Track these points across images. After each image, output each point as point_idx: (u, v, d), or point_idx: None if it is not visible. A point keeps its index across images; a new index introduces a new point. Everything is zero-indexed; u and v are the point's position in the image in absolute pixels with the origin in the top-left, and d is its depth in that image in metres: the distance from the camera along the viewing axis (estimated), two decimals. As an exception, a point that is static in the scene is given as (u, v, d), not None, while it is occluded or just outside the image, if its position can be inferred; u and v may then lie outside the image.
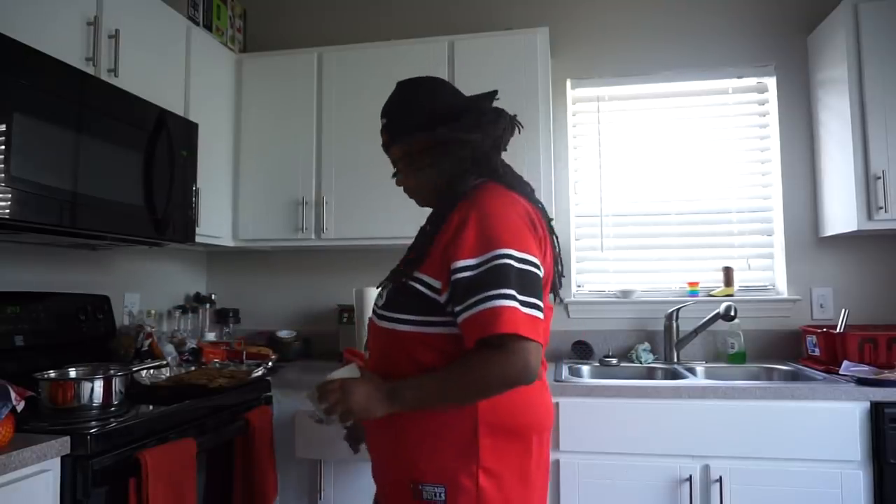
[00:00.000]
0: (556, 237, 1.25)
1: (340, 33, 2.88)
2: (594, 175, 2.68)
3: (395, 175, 1.30)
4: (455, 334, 1.10)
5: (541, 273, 1.09)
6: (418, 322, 1.12)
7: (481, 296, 1.02)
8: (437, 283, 1.10)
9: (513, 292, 1.02)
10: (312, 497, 2.08)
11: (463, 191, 1.18)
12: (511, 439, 1.11)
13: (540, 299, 1.07)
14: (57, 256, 2.05)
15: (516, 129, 1.26)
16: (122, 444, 1.41)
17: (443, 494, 1.08)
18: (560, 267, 1.26)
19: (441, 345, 1.12)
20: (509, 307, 1.01)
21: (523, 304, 1.03)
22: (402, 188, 1.30)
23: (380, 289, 1.25)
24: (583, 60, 2.68)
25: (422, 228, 1.23)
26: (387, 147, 1.28)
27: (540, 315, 1.05)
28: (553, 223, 1.27)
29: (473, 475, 1.08)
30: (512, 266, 1.04)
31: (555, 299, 1.27)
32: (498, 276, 1.03)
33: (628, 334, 2.55)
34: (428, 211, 1.29)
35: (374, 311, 1.23)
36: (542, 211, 1.24)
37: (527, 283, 1.05)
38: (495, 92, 1.28)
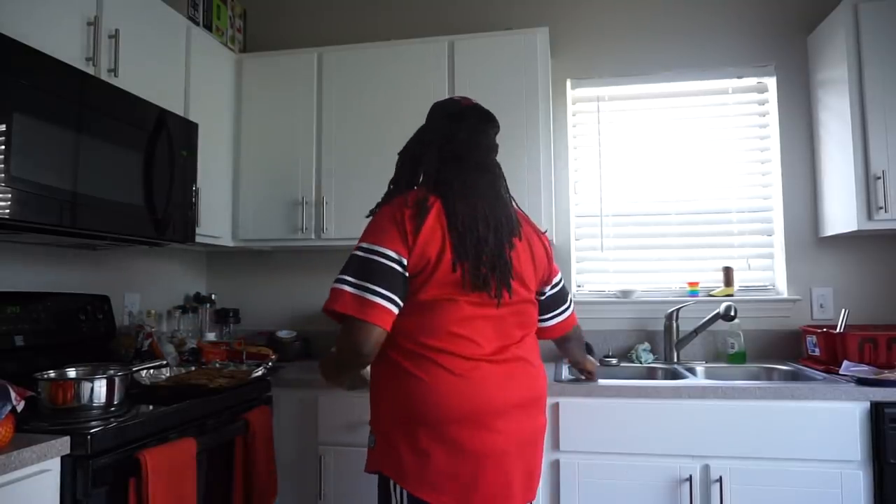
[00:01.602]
0: (489, 231, 1.32)
1: (340, 33, 2.88)
2: (594, 175, 2.68)
3: None
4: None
5: (389, 262, 1.25)
6: None
7: (336, 278, 1.28)
8: None
9: (346, 277, 1.26)
10: (312, 497, 2.08)
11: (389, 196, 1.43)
12: (401, 417, 1.28)
13: (381, 285, 1.23)
14: (57, 256, 2.05)
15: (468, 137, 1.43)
16: (122, 444, 1.41)
17: (373, 442, 1.34)
18: (486, 257, 1.30)
19: None
20: (339, 289, 1.25)
21: (355, 286, 1.24)
22: None
23: None
24: (583, 60, 2.68)
25: None
26: None
27: (376, 299, 1.22)
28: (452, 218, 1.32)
29: (382, 435, 1.31)
30: (357, 255, 1.28)
31: (473, 286, 1.29)
32: (345, 265, 1.29)
33: (628, 334, 2.55)
34: None
35: None
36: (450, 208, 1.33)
37: (364, 270, 1.25)
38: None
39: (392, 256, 1.25)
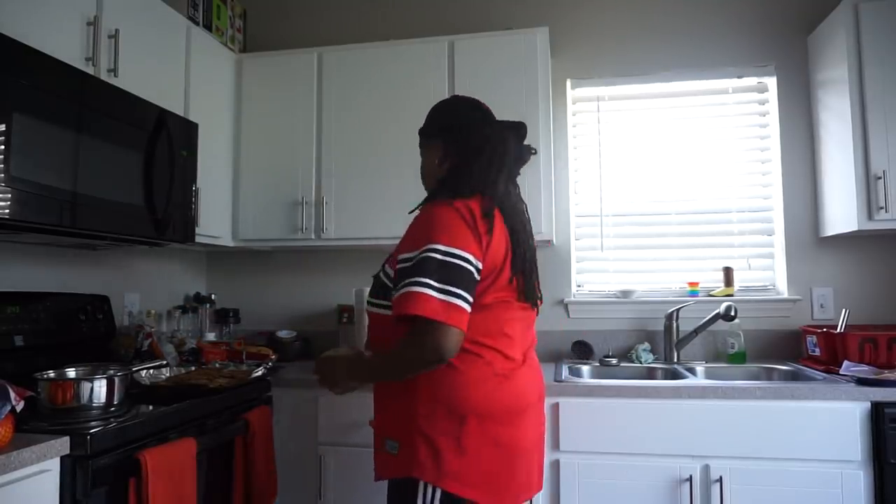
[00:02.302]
0: (527, 240, 1.40)
1: (340, 33, 2.88)
2: (594, 175, 2.68)
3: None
4: None
5: (471, 267, 1.24)
6: (386, 306, 1.34)
7: (405, 282, 1.22)
8: (392, 273, 1.32)
9: (428, 280, 1.20)
10: (312, 497, 2.08)
11: (435, 199, 1.35)
12: (446, 415, 1.26)
13: (466, 289, 1.22)
14: (57, 256, 2.05)
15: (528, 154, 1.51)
16: (122, 444, 1.41)
17: (396, 449, 1.30)
18: (528, 266, 1.38)
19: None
20: (423, 293, 1.19)
21: (441, 291, 1.19)
22: (414, 182, 1.61)
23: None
24: (583, 60, 2.68)
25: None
26: (420, 147, 1.53)
27: (459, 302, 1.20)
28: (520, 227, 1.39)
29: (413, 438, 1.27)
30: (435, 258, 1.22)
31: (526, 296, 1.38)
32: (421, 266, 1.22)
33: (628, 334, 2.55)
34: None
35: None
36: (510, 216, 1.38)
37: (449, 274, 1.21)
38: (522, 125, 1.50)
39: (471, 260, 1.23)
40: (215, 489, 1.78)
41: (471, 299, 1.23)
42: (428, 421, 1.26)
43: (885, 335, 2.02)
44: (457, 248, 1.22)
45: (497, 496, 1.27)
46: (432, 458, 1.24)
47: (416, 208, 1.41)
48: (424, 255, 1.22)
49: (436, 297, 1.19)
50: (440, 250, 1.22)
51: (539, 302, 1.45)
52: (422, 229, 1.27)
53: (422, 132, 1.52)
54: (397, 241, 2.36)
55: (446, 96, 2.40)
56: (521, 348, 1.38)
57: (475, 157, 1.39)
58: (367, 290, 2.17)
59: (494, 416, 1.28)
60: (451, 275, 1.21)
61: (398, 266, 1.27)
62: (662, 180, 2.63)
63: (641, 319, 2.54)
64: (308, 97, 2.52)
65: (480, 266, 1.26)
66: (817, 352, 2.19)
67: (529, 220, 1.48)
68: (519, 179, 2.31)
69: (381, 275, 1.38)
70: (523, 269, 1.35)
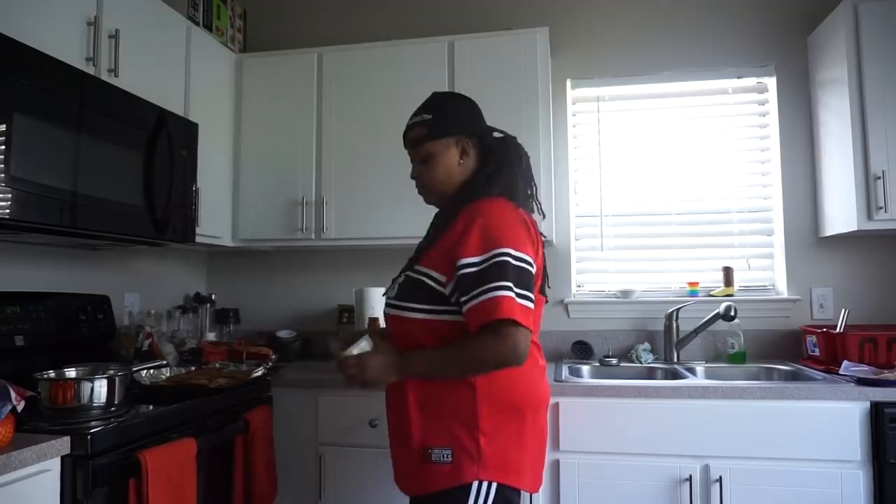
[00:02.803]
0: (543, 246, 1.43)
1: (340, 33, 2.88)
2: (594, 175, 2.68)
3: (415, 170, 1.47)
4: (456, 321, 1.27)
5: (533, 270, 1.27)
6: (425, 310, 1.30)
7: (484, 287, 1.20)
8: (441, 277, 1.28)
9: (510, 284, 1.20)
10: (312, 497, 2.08)
11: (476, 198, 1.33)
12: (507, 410, 1.28)
13: (532, 292, 1.25)
14: (57, 256, 2.05)
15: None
16: (122, 444, 1.41)
17: (449, 456, 1.25)
18: (546, 271, 1.45)
19: (445, 331, 1.28)
20: (508, 297, 1.19)
21: (518, 295, 1.20)
22: (413, 183, 1.47)
23: (392, 282, 1.43)
24: (583, 60, 2.68)
25: (431, 227, 1.44)
26: (419, 141, 1.41)
27: (531, 306, 1.24)
28: (543, 236, 1.46)
29: (475, 438, 1.25)
30: (510, 263, 1.22)
31: (544, 294, 1.45)
32: (498, 271, 1.21)
33: (628, 334, 2.55)
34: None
35: (386, 302, 1.41)
36: (535, 222, 1.43)
37: (521, 278, 1.23)
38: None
39: (531, 262, 1.27)
40: (215, 489, 1.78)
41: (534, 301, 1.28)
42: (491, 420, 1.26)
43: (885, 335, 2.02)
44: (523, 252, 1.25)
45: (535, 482, 1.34)
46: (496, 456, 1.25)
47: (450, 209, 1.38)
48: (499, 258, 1.22)
49: (518, 303, 1.20)
50: (514, 255, 1.23)
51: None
52: (484, 232, 1.24)
53: (433, 127, 1.40)
54: (397, 241, 2.39)
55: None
56: None
57: (504, 156, 1.40)
58: (367, 291, 2.10)
59: (541, 406, 1.36)
60: (523, 278, 1.23)
61: (463, 271, 1.23)
62: (662, 180, 2.63)
63: (641, 319, 2.54)
64: (308, 97, 2.52)
65: (535, 269, 1.30)
66: (817, 352, 2.19)
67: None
68: (519, 179, 2.34)
69: (417, 275, 1.33)
70: (545, 270, 1.43)
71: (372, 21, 2.88)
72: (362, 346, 1.32)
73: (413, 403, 1.31)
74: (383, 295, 1.46)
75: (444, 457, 1.26)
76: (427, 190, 1.44)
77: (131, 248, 2.30)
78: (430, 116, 1.40)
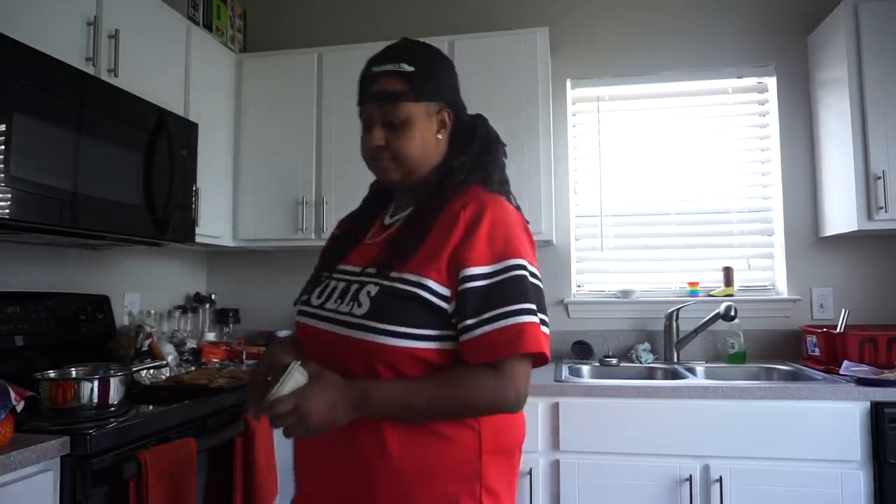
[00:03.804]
0: None
1: (340, 33, 2.88)
2: (594, 175, 2.68)
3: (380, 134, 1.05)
4: (450, 350, 0.96)
5: (542, 285, 1.01)
6: (415, 336, 0.94)
7: (502, 310, 0.91)
8: (445, 290, 0.94)
9: (534, 307, 0.94)
10: (312, 497, 2.08)
11: (463, 183, 1.04)
12: (505, 457, 1.02)
13: (547, 316, 0.99)
14: (57, 256, 2.05)
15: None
16: (122, 444, 1.41)
17: None
18: None
19: (435, 361, 0.95)
20: (533, 324, 0.92)
21: (543, 322, 0.95)
22: (372, 148, 1.05)
23: (330, 290, 1.04)
24: (583, 60, 2.68)
25: (409, 220, 1.05)
26: (393, 98, 1.03)
27: (548, 332, 0.98)
28: None
29: (476, 496, 0.96)
30: (528, 279, 0.95)
31: None
32: (517, 288, 0.93)
33: (628, 334, 2.55)
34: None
35: (338, 318, 0.98)
36: None
37: (540, 300, 0.97)
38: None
39: (540, 278, 1.01)
40: (215, 489, 1.78)
41: None
42: (496, 474, 0.99)
43: (885, 335, 2.02)
44: (534, 266, 0.99)
45: None
46: None
47: (427, 197, 1.04)
48: (516, 273, 0.94)
49: (542, 331, 0.94)
50: (528, 269, 0.96)
51: None
52: (492, 235, 0.96)
53: (417, 84, 1.03)
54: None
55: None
56: None
57: (489, 139, 1.11)
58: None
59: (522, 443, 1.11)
60: (541, 300, 0.98)
61: (469, 284, 0.93)
62: (662, 180, 2.63)
63: (641, 319, 2.54)
64: (308, 97, 2.52)
65: None
66: (817, 352, 2.19)
67: None
68: (519, 179, 2.33)
69: (405, 286, 0.95)
70: None
71: (372, 21, 2.88)
72: (296, 379, 0.90)
73: (391, 454, 0.93)
74: (316, 306, 1.04)
75: None
76: (395, 164, 1.05)
77: (131, 248, 2.30)
78: (413, 69, 1.04)
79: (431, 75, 1.06)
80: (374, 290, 0.97)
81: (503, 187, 1.11)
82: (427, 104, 1.05)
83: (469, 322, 0.92)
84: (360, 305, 0.96)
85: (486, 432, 0.98)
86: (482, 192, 1.04)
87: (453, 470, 0.95)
